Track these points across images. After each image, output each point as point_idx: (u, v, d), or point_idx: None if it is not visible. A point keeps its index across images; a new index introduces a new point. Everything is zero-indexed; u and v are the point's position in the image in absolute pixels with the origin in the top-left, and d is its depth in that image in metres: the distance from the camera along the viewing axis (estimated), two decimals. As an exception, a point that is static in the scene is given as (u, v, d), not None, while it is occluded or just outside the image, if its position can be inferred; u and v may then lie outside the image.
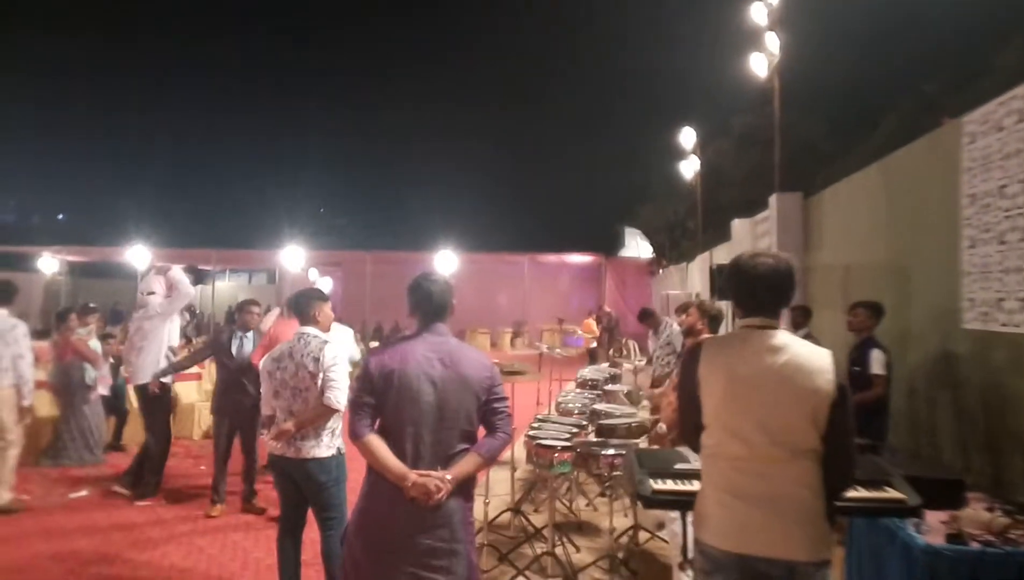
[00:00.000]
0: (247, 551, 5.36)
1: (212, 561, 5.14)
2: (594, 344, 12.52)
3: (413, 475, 2.65)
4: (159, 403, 6.62)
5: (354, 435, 2.77)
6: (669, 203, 27.16)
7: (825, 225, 7.85)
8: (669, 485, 2.82)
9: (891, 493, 2.76)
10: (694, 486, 2.79)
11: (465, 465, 2.70)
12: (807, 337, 6.76)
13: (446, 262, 28.60)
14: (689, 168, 18.26)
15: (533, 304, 29.51)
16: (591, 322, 15.01)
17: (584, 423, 5.38)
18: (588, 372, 7.71)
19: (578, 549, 5.39)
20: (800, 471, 2.31)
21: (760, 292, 2.41)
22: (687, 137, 17.46)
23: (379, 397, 2.75)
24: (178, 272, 6.91)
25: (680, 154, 20.45)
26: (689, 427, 2.49)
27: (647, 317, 7.91)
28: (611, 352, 14.14)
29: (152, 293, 6.85)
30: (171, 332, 6.75)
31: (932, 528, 3.13)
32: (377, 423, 2.82)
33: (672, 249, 25.99)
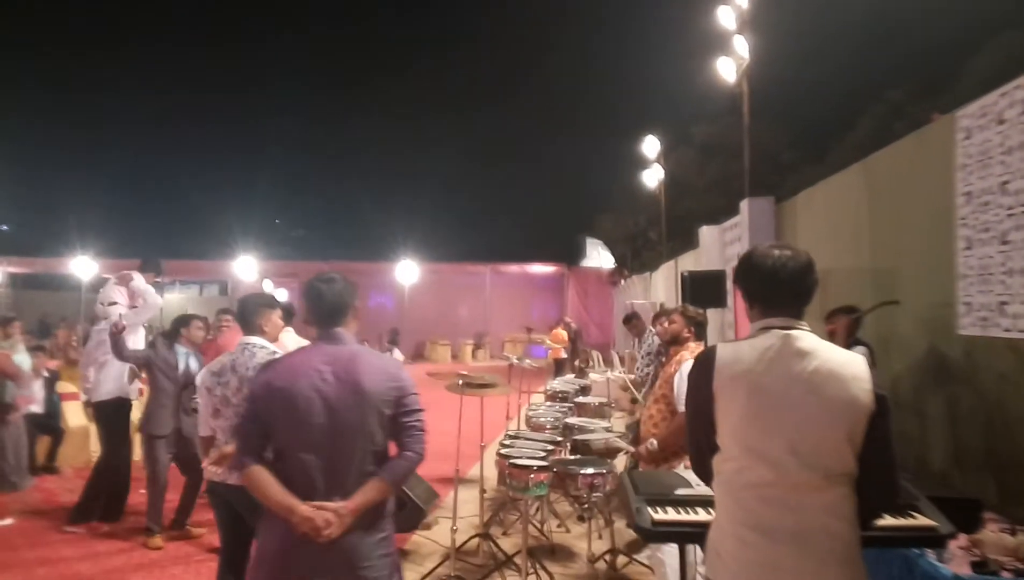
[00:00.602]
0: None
1: (145, 599, 4.61)
2: (563, 354, 12.18)
3: (301, 508, 2.31)
4: (120, 420, 6.09)
5: (236, 465, 2.44)
6: (630, 213, 27.14)
7: (799, 230, 7.63)
8: (671, 514, 2.45)
9: (919, 519, 2.43)
10: (699, 515, 2.43)
11: (366, 493, 2.37)
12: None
13: (406, 272, 28.10)
14: (652, 177, 18.13)
15: (495, 315, 29.14)
16: (560, 332, 14.67)
17: (558, 439, 5.00)
18: (558, 384, 7.34)
19: (552, 577, 4.99)
20: (835, 499, 1.96)
21: (781, 286, 2.06)
22: (650, 146, 17.34)
23: (266, 420, 2.42)
24: (141, 281, 6.43)
25: (642, 163, 20.36)
26: (699, 450, 2.12)
27: (632, 321, 7.57)
28: (576, 363, 13.80)
29: (114, 303, 6.36)
30: (136, 345, 6.21)
31: (953, 555, 2.82)
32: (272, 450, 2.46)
33: (634, 259, 25.92)
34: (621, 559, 5.15)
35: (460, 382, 4.34)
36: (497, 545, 5.17)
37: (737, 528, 2.01)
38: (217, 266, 26.94)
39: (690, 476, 2.78)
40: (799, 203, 7.70)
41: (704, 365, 2.09)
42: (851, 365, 2.00)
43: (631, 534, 5.92)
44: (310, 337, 2.72)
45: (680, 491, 2.60)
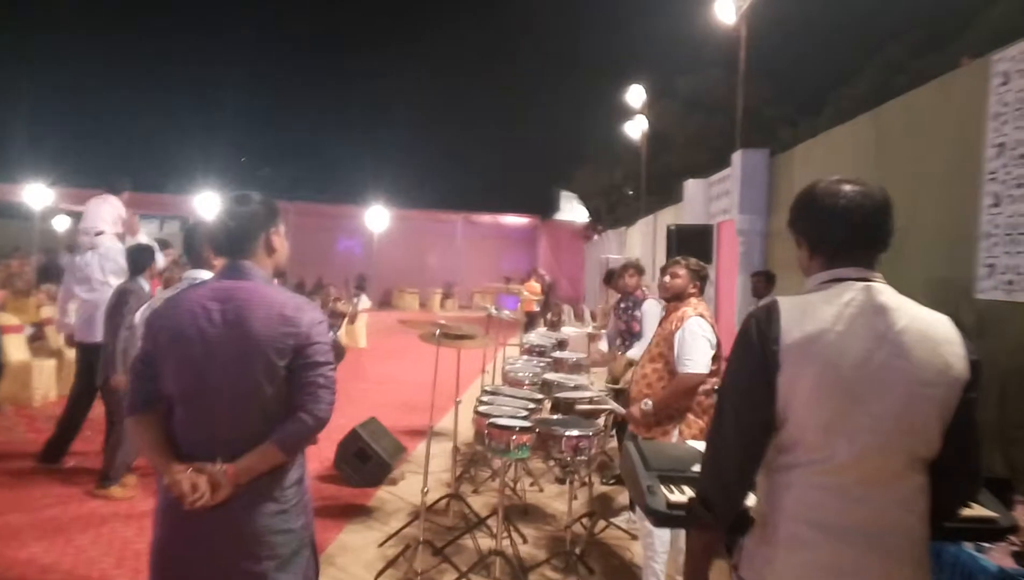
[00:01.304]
0: (126, 542, 4.42)
1: (81, 556, 4.17)
2: (536, 307, 11.81)
3: (171, 469, 1.99)
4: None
5: (125, 410, 2.13)
6: (606, 167, 26.65)
7: (796, 185, 7.25)
8: (690, 496, 2.07)
9: (976, 510, 2.10)
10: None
11: (251, 458, 2.00)
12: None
13: (376, 218, 27.39)
14: (635, 128, 17.61)
15: (465, 265, 28.71)
16: (533, 284, 14.27)
17: (539, 397, 4.62)
18: (534, 338, 6.96)
19: (525, 539, 4.68)
20: (912, 490, 1.60)
21: (855, 230, 1.66)
22: (635, 95, 16.76)
23: (154, 362, 2.07)
24: (122, 207, 6.01)
25: (622, 115, 19.80)
26: (748, 430, 1.67)
27: (612, 279, 7.18)
28: (548, 316, 13.46)
29: (101, 233, 5.89)
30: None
31: (991, 545, 2.51)
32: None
33: (609, 214, 25.53)
34: (599, 523, 4.86)
35: (437, 332, 3.91)
36: (468, 506, 4.83)
37: (792, 525, 1.63)
38: (178, 201, 25.92)
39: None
40: (797, 156, 7.32)
41: (765, 324, 1.64)
42: (941, 325, 1.63)
43: (610, 496, 5.66)
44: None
45: (698, 467, 2.22)
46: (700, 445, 2.46)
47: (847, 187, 1.68)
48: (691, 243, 7.35)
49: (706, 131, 20.75)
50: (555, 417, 4.22)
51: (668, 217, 12.92)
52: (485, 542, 4.56)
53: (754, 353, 1.64)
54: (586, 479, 5.25)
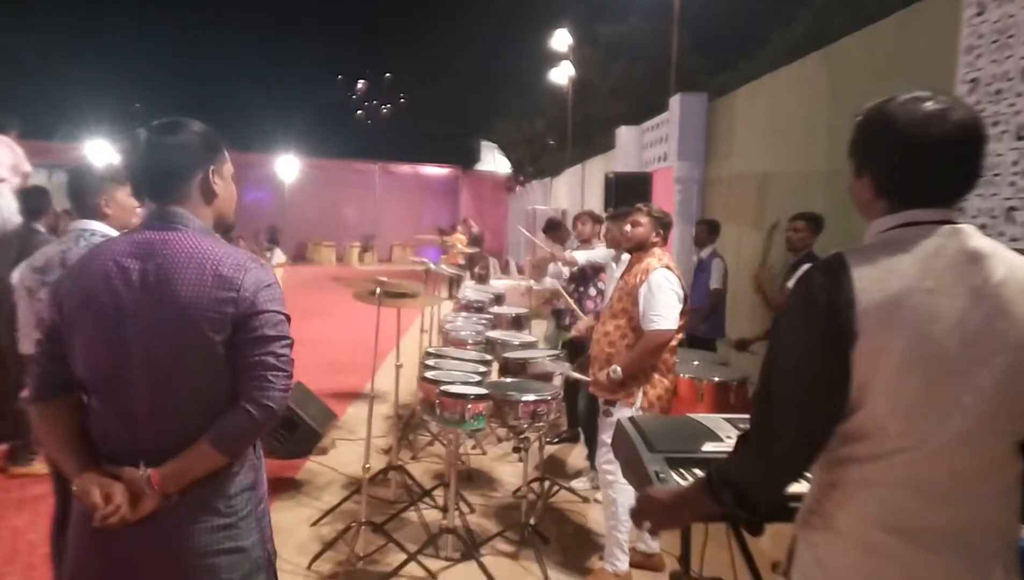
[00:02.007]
0: (17, 532, 3.84)
1: (-41, 552, 3.58)
2: (461, 261, 11.35)
3: (82, 477, 1.57)
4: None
5: (29, 397, 1.70)
6: (527, 117, 26.13)
7: (736, 130, 7.05)
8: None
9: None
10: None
11: (182, 461, 1.57)
12: (714, 255, 6.00)
13: (287, 167, 26.03)
14: (560, 74, 17.14)
15: (384, 217, 27.82)
16: (460, 235, 13.76)
17: (488, 358, 4.23)
18: (470, 292, 6.54)
19: (472, 509, 4.35)
20: (1008, 482, 1.32)
21: (945, 163, 1.30)
22: (560, 40, 16.24)
23: (63, 337, 1.63)
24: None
25: (544, 63, 19.27)
26: (811, 420, 1.34)
27: (554, 229, 6.79)
28: (476, 269, 13.04)
29: (2, 180, 5.06)
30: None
31: None
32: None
33: (532, 164, 25.12)
34: (549, 487, 4.58)
35: (376, 290, 3.43)
36: (411, 476, 4.44)
37: (863, 529, 1.31)
38: (67, 149, 23.76)
39: (712, 422, 2.09)
40: (740, 98, 7.07)
41: (833, 284, 1.28)
42: None
43: (557, 457, 5.39)
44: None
45: (709, 446, 1.90)
46: (707, 419, 2.15)
47: (931, 105, 1.31)
48: (629, 191, 7.06)
49: (629, 80, 20.48)
50: (508, 380, 3.85)
51: (598, 166, 12.63)
52: (430, 515, 4.20)
53: (820, 322, 1.28)
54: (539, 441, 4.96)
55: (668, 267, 3.39)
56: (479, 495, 4.63)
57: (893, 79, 4.54)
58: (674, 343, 3.38)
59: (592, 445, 4.88)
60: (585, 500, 4.58)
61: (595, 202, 12.36)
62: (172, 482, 1.55)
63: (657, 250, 3.51)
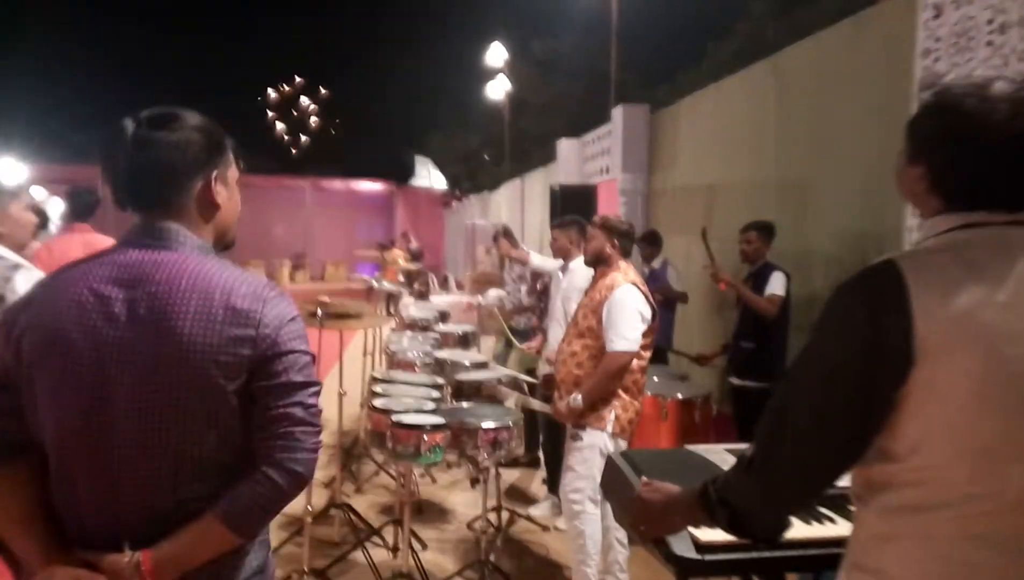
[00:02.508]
0: None
1: None
2: (401, 278, 10.97)
3: (56, 570, 1.21)
4: None
5: None
6: (462, 132, 26.00)
7: (680, 141, 6.97)
8: (720, 533, 1.50)
9: None
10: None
11: (183, 541, 1.23)
12: (664, 266, 5.87)
13: (213, 184, 24.99)
14: (495, 89, 17.01)
15: (316, 234, 27.09)
16: (397, 251, 13.36)
17: (440, 381, 3.92)
18: (414, 310, 6.20)
19: (424, 545, 4.01)
20: None
21: (1015, 159, 1.09)
22: (496, 54, 16.12)
23: (17, 386, 1.26)
24: None
25: (479, 78, 19.14)
26: (831, 461, 1.16)
27: (509, 235, 6.51)
28: (415, 286, 12.65)
29: None
30: None
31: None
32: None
33: (468, 180, 24.95)
34: (506, 515, 4.29)
35: (319, 312, 3.08)
36: (356, 514, 4.07)
37: None
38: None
39: (714, 455, 1.85)
40: (683, 109, 7.01)
41: (880, 301, 1.08)
42: None
43: (510, 482, 5.09)
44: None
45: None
46: (707, 451, 1.91)
47: (1003, 88, 1.10)
48: (575, 203, 6.88)
49: (563, 96, 20.56)
50: (464, 406, 3.55)
51: (538, 179, 12.49)
52: (379, 555, 3.84)
53: (860, 347, 1.08)
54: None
55: (634, 283, 3.18)
56: (431, 528, 4.30)
57: (844, 85, 4.49)
58: (644, 363, 3.16)
59: (553, 470, 4.62)
60: (545, 529, 4.30)
61: (536, 216, 12.19)
62: (169, 569, 1.21)
63: (623, 264, 3.29)
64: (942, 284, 1.06)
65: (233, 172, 1.43)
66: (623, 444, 3.13)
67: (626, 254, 3.37)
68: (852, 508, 1.56)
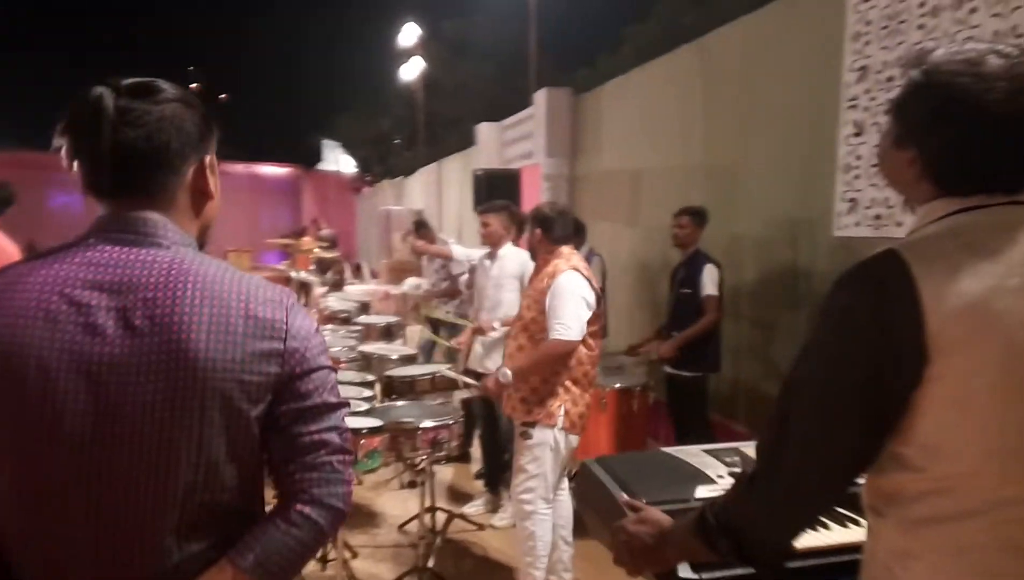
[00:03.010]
0: None
1: None
2: (312, 267, 10.49)
3: None
4: None
5: None
6: (371, 115, 25.27)
7: (605, 125, 6.90)
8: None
9: None
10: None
11: None
12: (591, 255, 5.77)
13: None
14: (409, 71, 16.56)
15: (217, 220, 25.74)
16: (309, 239, 12.77)
17: (370, 378, 3.67)
18: (334, 302, 5.88)
19: (355, 553, 3.76)
20: None
21: (1009, 138, 1.01)
22: (409, 34, 15.66)
23: None
24: None
25: (389, 59, 18.62)
26: (841, 471, 1.06)
27: (423, 227, 6.27)
28: (328, 274, 12.17)
29: None
30: None
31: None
32: None
33: (379, 164, 24.32)
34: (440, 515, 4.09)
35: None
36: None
37: None
38: None
39: (693, 458, 1.72)
40: (607, 94, 6.93)
41: (884, 295, 0.99)
42: None
43: (442, 480, 4.88)
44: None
45: (704, 492, 1.53)
46: (684, 454, 1.77)
47: (997, 63, 1.00)
48: (499, 189, 6.70)
49: (477, 79, 20.27)
50: (400, 404, 3.32)
51: (456, 165, 12.22)
52: (307, 566, 3.56)
53: (865, 347, 0.99)
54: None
55: (576, 269, 3.03)
56: (361, 534, 4.04)
57: (773, 69, 4.49)
58: (595, 354, 3.03)
59: (491, 464, 4.45)
60: (481, 527, 4.13)
61: (454, 202, 11.95)
62: None
63: (564, 250, 3.14)
64: (950, 273, 0.97)
65: (215, 160, 1.20)
66: (574, 440, 2.99)
67: (566, 239, 3.21)
68: (862, 519, 1.46)
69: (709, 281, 4.23)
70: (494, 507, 4.33)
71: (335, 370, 1.16)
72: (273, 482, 1.10)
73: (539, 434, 2.93)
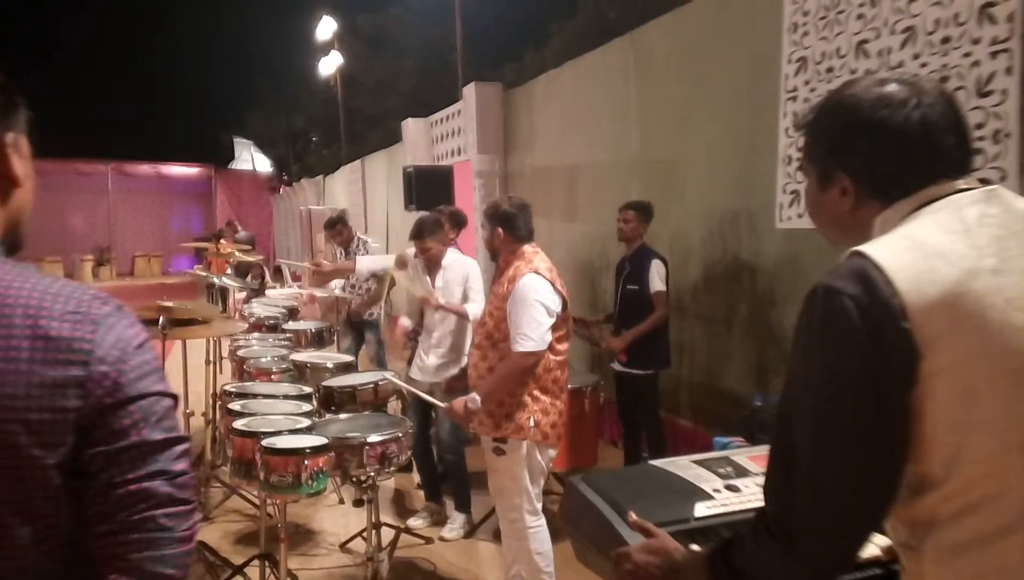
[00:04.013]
0: None
1: None
2: (230, 271, 9.96)
3: None
4: None
5: None
6: (284, 112, 24.40)
7: (537, 120, 6.78)
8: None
9: None
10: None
11: None
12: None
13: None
14: (327, 65, 16.03)
15: (121, 224, 24.44)
16: (224, 242, 12.13)
17: (308, 390, 3.41)
18: (258, 308, 5.53)
19: (295, 578, 3.51)
20: None
21: (940, 130, 1.02)
22: (325, 28, 15.15)
23: None
24: None
25: (304, 53, 18.03)
26: (869, 486, 0.96)
27: (335, 225, 6.02)
28: (248, 278, 11.65)
29: None
30: None
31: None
32: None
33: (296, 162, 23.52)
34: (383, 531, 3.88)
35: (160, 320, 2.49)
36: (210, 550, 3.48)
37: None
38: None
39: (686, 470, 1.60)
40: (538, 88, 6.82)
41: (865, 292, 0.94)
42: None
43: (391, 492, 4.64)
44: None
45: (703, 510, 1.41)
46: (675, 466, 1.65)
47: (896, 89, 1.04)
48: (430, 186, 6.51)
49: (395, 75, 19.83)
50: (342, 417, 3.09)
51: (380, 162, 11.88)
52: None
53: (857, 349, 0.93)
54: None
55: (537, 271, 2.84)
56: (300, 556, 3.79)
57: (709, 62, 4.47)
58: (562, 358, 2.88)
59: (429, 477, 4.26)
60: (429, 541, 3.95)
61: (379, 200, 11.61)
62: None
63: (527, 249, 2.94)
64: (922, 260, 0.94)
65: (25, 142, 0.99)
66: (552, 452, 2.84)
67: (530, 235, 3.02)
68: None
69: (656, 277, 4.18)
70: (440, 519, 4.15)
71: (171, 396, 0.95)
72: (95, 541, 0.89)
73: (511, 449, 2.76)
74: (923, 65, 3.01)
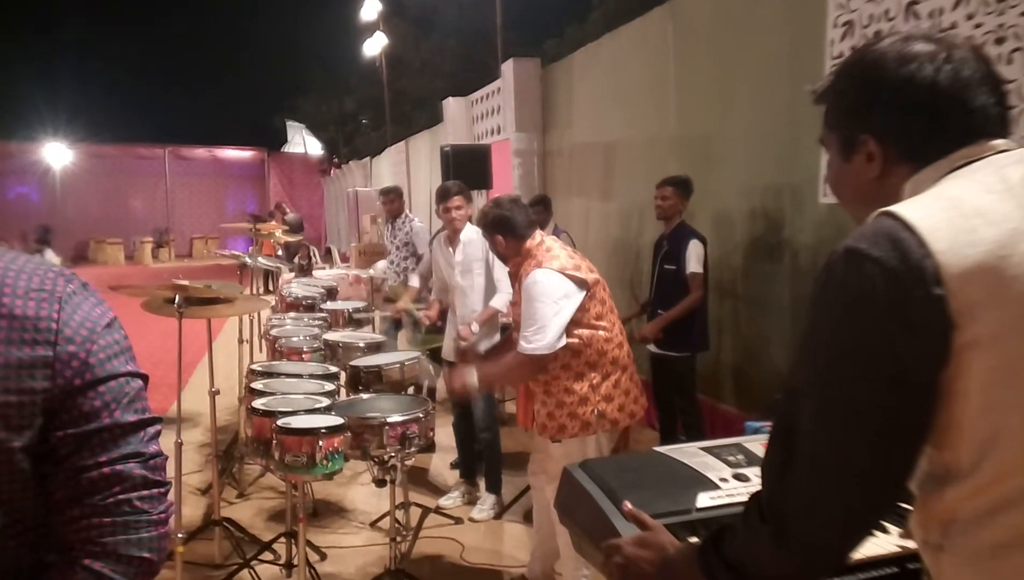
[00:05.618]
0: None
1: None
2: (279, 252, 10.15)
3: None
4: None
5: None
6: (335, 95, 24.64)
7: (576, 96, 6.64)
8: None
9: None
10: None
11: None
12: (556, 231, 5.53)
13: (56, 155, 22.62)
14: (372, 46, 16.06)
15: (179, 207, 25.20)
16: (274, 224, 12.38)
17: (333, 370, 3.41)
18: (297, 288, 5.58)
19: (323, 555, 3.55)
20: None
21: (973, 87, 0.92)
22: (370, 8, 15.16)
23: None
24: None
25: (352, 36, 18.09)
26: (887, 471, 0.86)
27: (389, 193, 6.02)
28: (297, 260, 11.86)
29: None
30: None
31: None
32: None
33: (346, 145, 23.76)
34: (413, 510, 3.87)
35: (177, 299, 2.50)
36: (239, 528, 3.53)
37: None
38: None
39: (693, 458, 1.51)
40: (576, 63, 6.66)
41: (893, 256, 0.83)
42: None
43: (421, 471, 4.65)
44: None
45: (707, 500, 1.32)
46: (681, 454, 1.56)
47: (923, 45, 0.94)
48: (468, 165, 6.43)
49: (441, 56, 19.78)
50: (364, 397, 3.07)
51: (424, 142, 11.88)
52: (269, 572, 3.34)
53: (876, 323, 0.83)
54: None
55: (541, 265, 2.66)
56: (330, 534, 3.82)
57: (749, 32, 4.27)
58: (609, 334, 2.69)
59: (466, 454, 4.24)
60: (458, 521, 3.93)
61: (423, 180, 11.63)
62: None
63: (531, 244, 2.76)
64: (962, 220, 0.84)
65: None
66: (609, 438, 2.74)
67: (531, 226, 2.86)
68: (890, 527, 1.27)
69: (693, 257, 4.04)
70: (471, 499, 4.13)
71: (141, 377, 0.92)
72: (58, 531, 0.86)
73: (577, 444, 2.68)
74: (977, 26, 2.79)
